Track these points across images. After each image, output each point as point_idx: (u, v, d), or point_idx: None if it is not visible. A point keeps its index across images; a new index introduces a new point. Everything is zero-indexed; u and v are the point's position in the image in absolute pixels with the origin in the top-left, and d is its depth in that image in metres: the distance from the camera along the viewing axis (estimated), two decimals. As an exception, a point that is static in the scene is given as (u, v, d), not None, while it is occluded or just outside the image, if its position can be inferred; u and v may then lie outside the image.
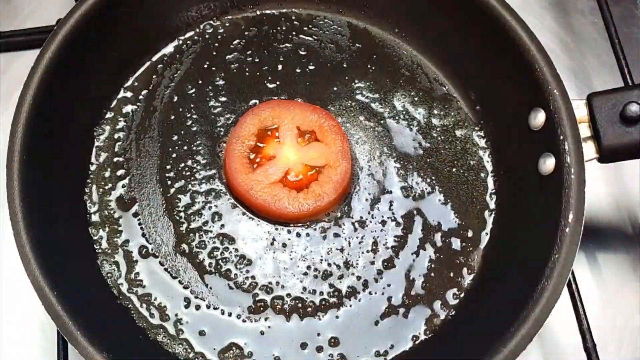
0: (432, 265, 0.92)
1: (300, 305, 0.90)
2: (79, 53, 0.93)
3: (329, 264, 0.92)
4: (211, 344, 0.87)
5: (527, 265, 0.84)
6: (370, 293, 0.91)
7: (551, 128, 0.86)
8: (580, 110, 0.86)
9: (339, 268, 0.92)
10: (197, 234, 0.93)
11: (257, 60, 1.04)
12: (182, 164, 0.97)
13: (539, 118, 0.88)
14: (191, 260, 0.92)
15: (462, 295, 0.91)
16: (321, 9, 1.07)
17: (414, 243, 0.93)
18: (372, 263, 0.92)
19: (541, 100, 0.88)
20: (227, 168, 0.94)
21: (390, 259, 0.92)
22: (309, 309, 0.90)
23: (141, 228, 0.93)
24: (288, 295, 0.90)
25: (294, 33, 1.06)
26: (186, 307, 0.89)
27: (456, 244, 0.94)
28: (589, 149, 0.85)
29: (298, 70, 1.03)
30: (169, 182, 0.96)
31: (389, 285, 0.91)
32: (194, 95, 1.01)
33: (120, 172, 0.96)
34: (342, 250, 0.93)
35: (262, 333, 0.88)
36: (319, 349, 0.88)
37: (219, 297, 0.90)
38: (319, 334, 0.88)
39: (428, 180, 0.97)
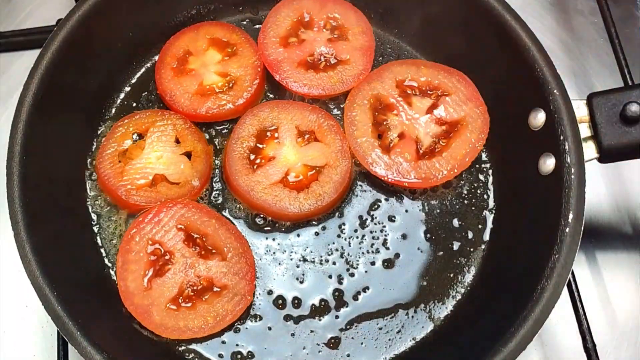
0: (432, 266, 0.92)
1: (300, 305, 0.90)
2: (79, 53, 0.93)
3: (329, 264, 0.92)
4: (211, 344, 0.87)
5: (527, 265, 0.84)
6: (370, 293, 0.91)
7: (551, 128, 0.86)
8: (580, 110, 0.86)
9: (339, 268, 0.92)
10: (197, 234, 0.93)
11: (257, 60, 1.04)
12: (182, 164, 0.97)
13: (539, 118, 0.88)
14: (191, 261, 0.92)
15: (462, 295, 0.91)
16: (322, 9, 1.07)
17: (414, 243, 0.93)
18: (373, 263, 0.92)
19: (541, 100, 0.87)
20: (227, 169, 0.94)
21: (390, 259, 0.92)
22: (309, 309, 0.90)
23: (141, 228, 0.93)
24: (288, 295, 0.90)
25: (294, 33, 1.05)
26: (186, 307, 0.89)
27: (456, 244, 0.94)
28: (589, 149, 0.85)
29: (298, 71, 1.03)
30: (169, 182, 0.96)
31: (389, 286, 0.91)
32: (194, 95, 1.01)
33: (120, 172, 0.96)
34: (342, 250, 0.93)
35: (262, 333, 0.88)
36: (319, 349, 0.88)
37: (219, 297, 0.90)
38: (319, 335, 0.88)
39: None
